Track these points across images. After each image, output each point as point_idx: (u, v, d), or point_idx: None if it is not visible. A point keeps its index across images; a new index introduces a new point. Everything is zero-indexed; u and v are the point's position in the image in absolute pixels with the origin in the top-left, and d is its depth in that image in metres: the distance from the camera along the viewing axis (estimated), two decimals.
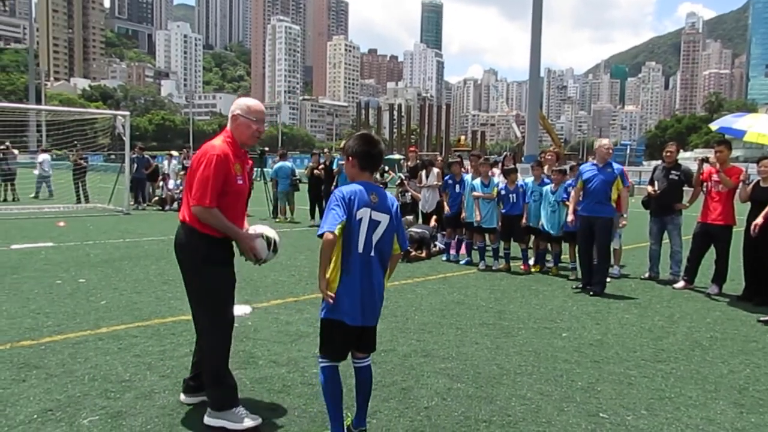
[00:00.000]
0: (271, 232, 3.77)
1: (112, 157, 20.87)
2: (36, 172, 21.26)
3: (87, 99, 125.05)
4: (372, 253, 3.24)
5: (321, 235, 3.13)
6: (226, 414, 3.50)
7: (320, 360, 3.28)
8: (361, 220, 3.20)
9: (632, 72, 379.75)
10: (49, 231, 12.26)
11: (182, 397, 3.85)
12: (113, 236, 11.73)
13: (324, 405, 3.29)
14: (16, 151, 21.29)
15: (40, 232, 11.98)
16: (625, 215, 7.99)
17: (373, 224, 3.24)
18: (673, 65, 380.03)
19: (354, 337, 3.25)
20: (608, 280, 8.10)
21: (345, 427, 3.31)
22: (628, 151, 79.57)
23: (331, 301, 3.18)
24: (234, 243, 3.68)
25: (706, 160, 8.08)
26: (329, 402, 3.27)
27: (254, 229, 3.75)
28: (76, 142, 21.33)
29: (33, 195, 20.53)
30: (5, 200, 19.48)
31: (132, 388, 4.00)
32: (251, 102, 3.72)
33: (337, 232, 3.11)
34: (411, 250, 9.75)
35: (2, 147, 20.55)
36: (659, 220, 8.60)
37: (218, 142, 3.59)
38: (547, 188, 8.85)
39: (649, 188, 8.65)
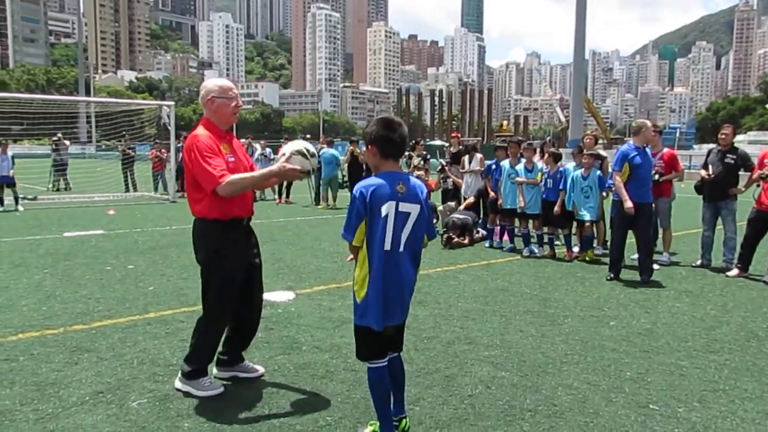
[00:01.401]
0: (297, 145, 3.68)
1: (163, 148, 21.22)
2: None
3: (134, 90, 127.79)
4: (401, 249, 3.00)
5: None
6: (193, 383, 3.76)
7: (368, 365, 3.15)
8: (386, 215, 2.94)
9: (682, 52, 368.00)
10: (100, 219, 12.61)
11: (214, 370, 3.98)
12: (160, 224, 11.98)
13: (366, 392, 3.26)
14: (67, 142, 21.91)
15: (90, 220, 12.33)
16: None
17: (401, 217, 2.98)
18: (725, 44, 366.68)
19: (386, 338, 3.10)
20: (657, 267, 7.89)
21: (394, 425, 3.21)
22: (677, 135, 76.90)
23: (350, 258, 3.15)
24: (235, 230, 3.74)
25: (765, 178, 7.51)
26: (377, 402, 3.14)
27: (283, 153, 3.67)
28: (124, 132, 21.85)
29: (64, 186, 20.51)
30: (58, 190, 20.10)
31: (179, 372, 4.06)
32: (221, 81, 3.83)
33: (355, 242, 2.99)
34: (453, 236, 9.67)
35: (55, 138, 21.21)
36: (713, 206, 8.29)
37: (199, 131, 3.68)
38: (577, 173, 8.62)
39: (703, 172, 8.33)
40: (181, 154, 18.69)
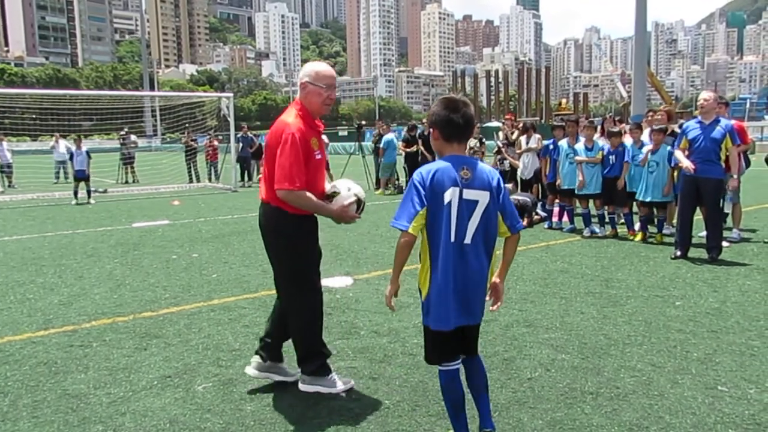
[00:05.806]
0: (357, 190, 3.56)
1: (219, 137, 21.73)
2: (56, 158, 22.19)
3: (195, 84, 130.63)
4: (467, 241, 2.69)
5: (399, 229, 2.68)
6: (320, 380, 3.59)
7: (439, 367, 2.86)
8: (450, 203, 2.65)
9: (752, 19, 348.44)
10: (165, 210, 13.07)
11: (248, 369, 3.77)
12: (222, 213, 12.31)
13: (425, 375, 3.26)
14: (134, 137, 22.73)
15: (157, 211, 12.79)
16: (734, 176, 7.17)
17: (467, 205, 2.68)
18: None
19: (454, 339, 2.78)
20: (727, 244, 7.57)
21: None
22: (747, 106, 72.97)
23: (392, 308, 2.87)
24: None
25: None
26: (449, 407, 2.87)
27: (338, 187, 3.53)
28: (186, 124, 22.51)
29: (132, 179, 21.13)
30: (126, 182, 20.90)
31: (242, 357, 4.18)
32: (319, 67, 3.47)
33: (412, 230, 2.63)
34: None
35: (122, 133, 22.04)
36: None
37: (291, 119, 3.38)
38: (646, 150, 8.28)
39: None
40: (241, 145, 19.26)
